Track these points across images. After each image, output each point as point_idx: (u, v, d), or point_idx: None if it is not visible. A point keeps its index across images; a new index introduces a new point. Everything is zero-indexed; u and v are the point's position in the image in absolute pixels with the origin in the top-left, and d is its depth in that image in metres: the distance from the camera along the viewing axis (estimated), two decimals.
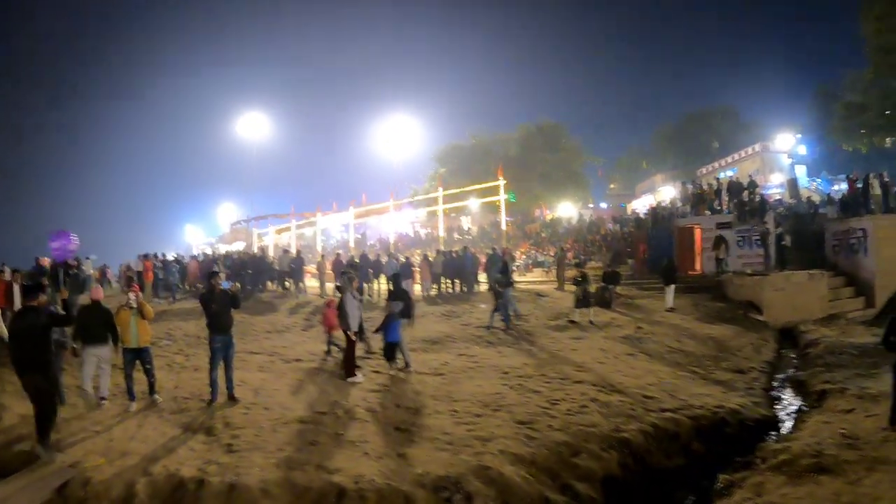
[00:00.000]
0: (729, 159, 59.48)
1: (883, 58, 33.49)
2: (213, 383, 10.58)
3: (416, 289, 24.25)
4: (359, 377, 11.99)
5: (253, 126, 60.68)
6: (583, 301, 18.70)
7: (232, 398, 10.58)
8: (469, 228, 53.18)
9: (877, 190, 25.71)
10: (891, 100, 34.92)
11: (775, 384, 14.27)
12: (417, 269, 25.79)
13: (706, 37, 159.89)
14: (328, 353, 14.30)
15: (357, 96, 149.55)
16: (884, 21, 32.52)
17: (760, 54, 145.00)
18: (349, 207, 40.80)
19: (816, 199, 35.00)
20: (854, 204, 25.99)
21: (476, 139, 62.28)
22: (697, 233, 25.40)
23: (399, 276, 15.35)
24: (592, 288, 19.47)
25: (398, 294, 13.43)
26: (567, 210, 54.66)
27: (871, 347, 14.37)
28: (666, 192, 49.96)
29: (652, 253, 26.03)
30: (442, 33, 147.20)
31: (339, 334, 13.25)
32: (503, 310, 17.73)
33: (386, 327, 12.91)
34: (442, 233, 42.74)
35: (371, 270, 24.30)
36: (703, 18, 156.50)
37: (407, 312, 13.30)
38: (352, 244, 42.17)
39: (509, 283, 18.35)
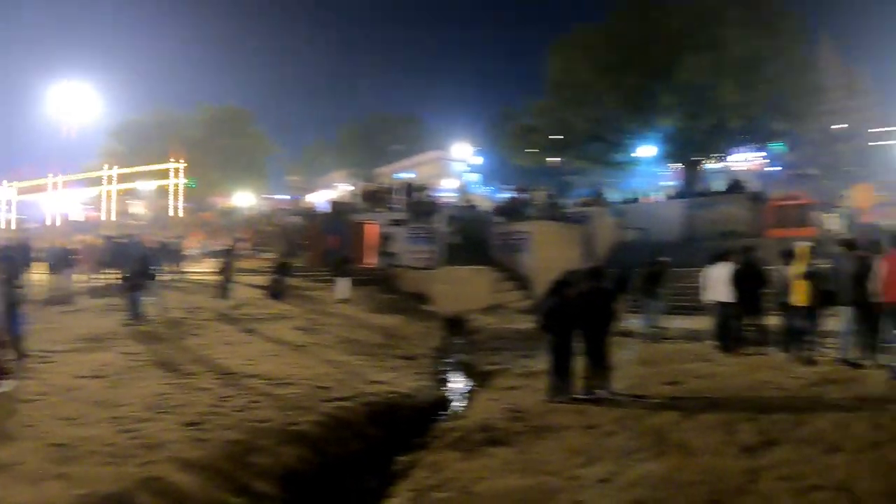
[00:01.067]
0: (409, 162, 61.92)
1: (560, 90, 37.85)
2: None
3: (79, 278, 22.18)
4: (4, 385, 10.32)
5: None
6: (222, 291, 19.21)
7: None
8: (142, 213, 49.97)
9: (539, 200, 28.78)
10: (560, 126, 39.40)
11: (445, 368, 15.15)
12: (80, 256, 23.64)
13: (403, 46, 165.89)
14: None
15: (30, 57, 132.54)
16: (566, 62, 37.01)
17: (451, 71, 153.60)
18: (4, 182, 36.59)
19: (486, 203, 37.95)
20: (518, 210, 28.59)
21: (157, 115, 58.46)
22: (372, 228, 26.24)
23: (12, 261, 13.40)
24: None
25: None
26: (245, 199, 53.49)
27: (530, 332, 15.59)
28: (346, 188, 50.89)
29: (330, 245, 26.37)
30: None
31: None
32: (133, 303, 16.20)
33: (9, 320, 11.47)
34: (111, 216, 39.86)
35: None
36: (402, 30, 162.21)
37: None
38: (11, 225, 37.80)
39: (147, 277, 16.89)
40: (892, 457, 6.63)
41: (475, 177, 58.28)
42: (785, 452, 6.97)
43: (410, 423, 10.52)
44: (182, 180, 39.41)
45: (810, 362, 11.33)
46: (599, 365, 9.85)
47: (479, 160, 60.04)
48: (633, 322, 16.45)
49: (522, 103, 43.67)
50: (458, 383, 14.08)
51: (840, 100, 60.73)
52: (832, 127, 61.81)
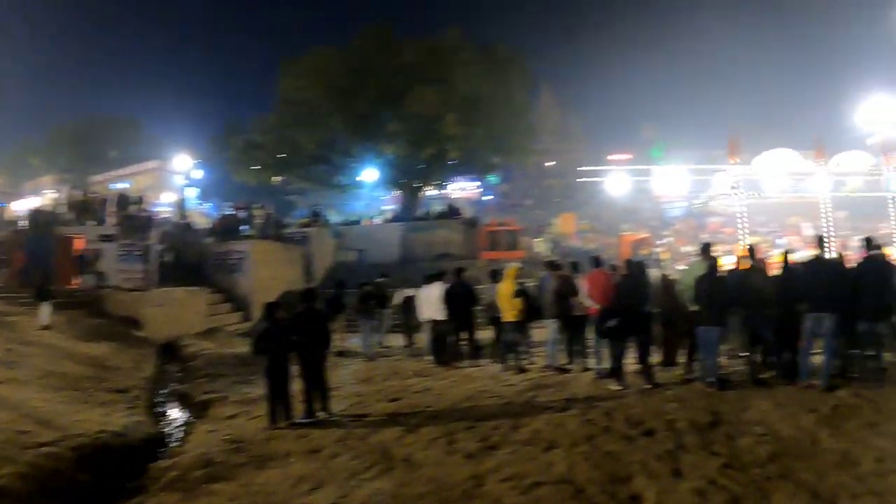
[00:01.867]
0: (126, 171, 57.95)
1: (289, 108, 37.28)
2: None
3: None
4: None
5: None
6: None
7: None
8: None
9: (258, 219, 28.02)
10: (286, 145, 38.74)
11: (160, 400, 14.05)
12: None
13: (126, 44, 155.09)
14: None
15: None
16: (298, 80, 36.45)
17: (176, 76, 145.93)
18: None
19: (203, 221, 36.42)
20: (236, 228, 27.64)
21: None
22: (79, 244, 23.99)
23: None
24: None
25: None
26: None
27: (248, 356, 15.01)
28: (54, 196, 46.29)
29: (28, 263, 23.62)
30: None
31: None
32: None
33: None
34: None
35: None
36: (129, 27, 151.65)
37: None
38: None
39: None
40: (605, 447, 7.16)
41: (194, 191, 55.65)
42: (506, 455, 7.19)
43: (125, 465, 9.43)
44: None
45: (522, 371, 12.15)
46: (318, 387, 9.80)
47: (200, 174, 57.71)
48: (352, 342, 16.81)
49: (250, 118, 42.63)
50: (174, 416, 13.09)
51: (553, 141, 67.86)
52: (546, 164, 69.04)
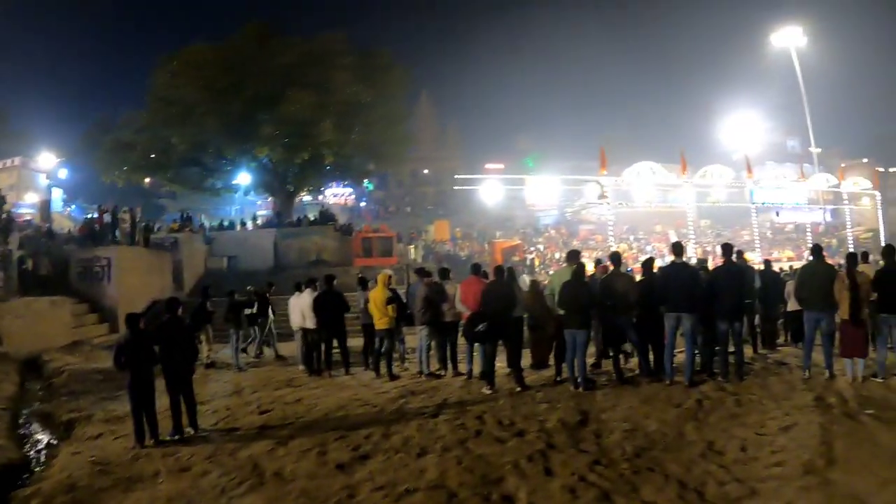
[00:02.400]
0: None
1: (163, 107, 35.47)
2: None
3: None
4: None
5: None
6: None
7: None
8: None
9: (126, 223, 26.67)
10: (158, 145, 36.85)
11: (21, 421, 13.17)
12: None
13: None
14: None
15: None
16: (173, 77, 34.92)
17: (46, 69, 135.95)
18: None
19: (68, 224, 34.60)
20: (101, 233, 26.31)
21: None
22: None
23: None
24: None
25: None
26: None
27: (114, 371, 14.40)
28: None
29: None
30: None
31: None
32: None
33: None
34: None
35: None
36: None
37: None
38: None
39: None
40: (477, 450, 7.29)
41: (58, 192, 52.23)
42: (378, 463, 7.18)
43: None
44: None
45: (394, 378, 12.19)
46: (185, 401, 9.35)
47: (65, 173, 54.59)
48: (223, 353, 16.46)
49: (121, 116, 40.65)
50: (37, 438, 12.28)
51: (430, 149, 68.83)
52: (422, 171, 69.96)
